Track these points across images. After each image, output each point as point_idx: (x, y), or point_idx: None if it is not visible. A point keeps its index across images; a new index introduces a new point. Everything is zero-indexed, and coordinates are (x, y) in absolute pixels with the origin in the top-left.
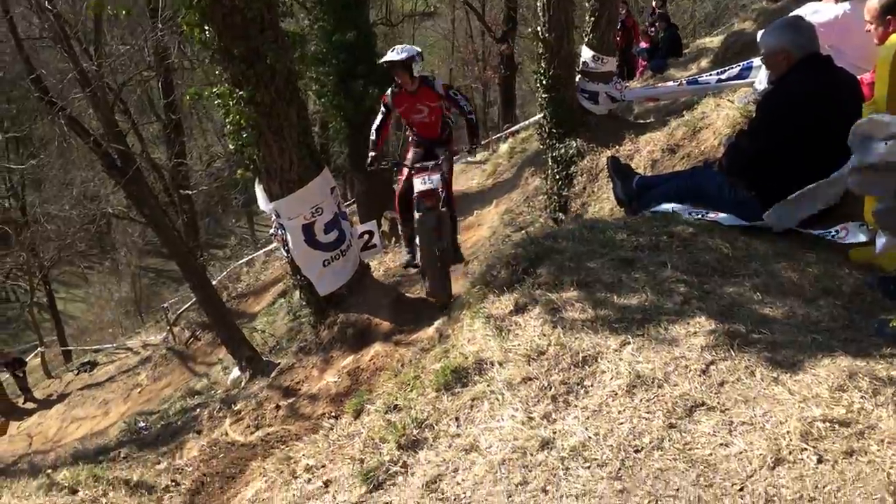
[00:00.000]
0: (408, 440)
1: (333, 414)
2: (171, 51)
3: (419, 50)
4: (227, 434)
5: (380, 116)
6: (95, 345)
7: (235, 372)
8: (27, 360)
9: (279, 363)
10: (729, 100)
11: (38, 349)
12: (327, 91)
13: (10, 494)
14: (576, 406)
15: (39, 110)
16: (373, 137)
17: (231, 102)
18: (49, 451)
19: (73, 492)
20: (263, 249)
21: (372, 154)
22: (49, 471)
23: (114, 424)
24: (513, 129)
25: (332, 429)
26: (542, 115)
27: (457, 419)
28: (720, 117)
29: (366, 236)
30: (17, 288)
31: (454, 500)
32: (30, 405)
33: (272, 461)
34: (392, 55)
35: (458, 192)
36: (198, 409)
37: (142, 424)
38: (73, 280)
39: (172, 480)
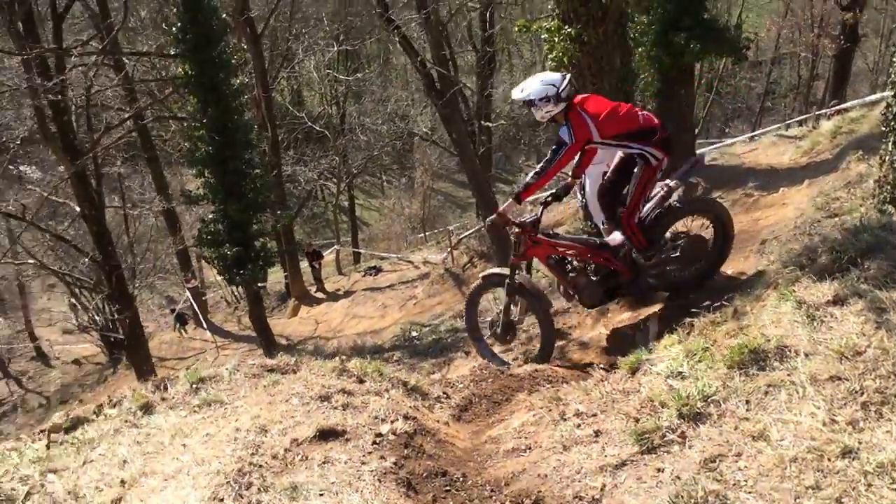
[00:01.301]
0: (690, 411)
1: (603, 366)
2: None
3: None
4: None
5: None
6: (382, 252)
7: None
8: (324, 254)
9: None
10: None
11: (335, 247)
12: (645, 41)
13: (307, 370)
14: (889, 420)
15: (375, 27)
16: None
17: (557, 38)
18: (331, 338)
19: (361, 381)
20: (550, 191)
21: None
22: (343, 357)
23: (388, 328)
24: (842, 106)
25: (603, 380)
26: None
27: (747, 402)
28: None
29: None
30: (325, 188)
31: (733, 484)
32: (320, 295)
33: (539, 397)
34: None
35: (766, 165)
36: (464, 335)
37: (414, 334)
38: (372, 190)
39: (444, 392)
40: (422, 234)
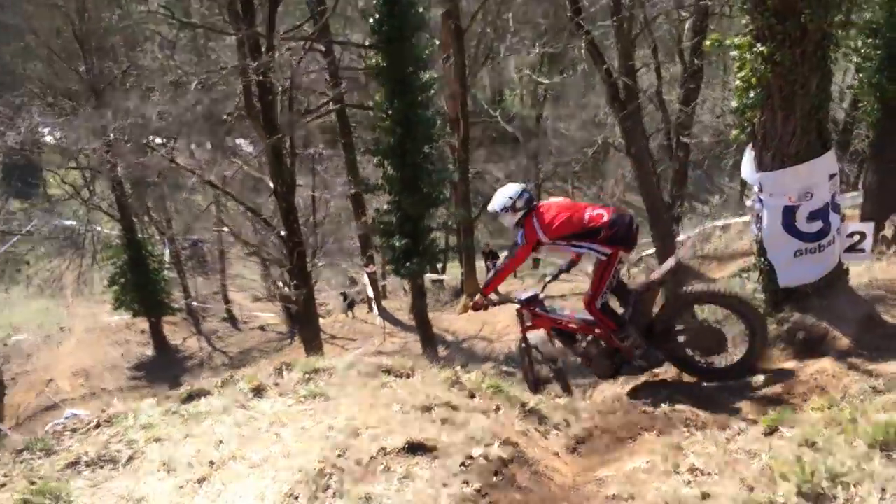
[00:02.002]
0: (812, 489)
1: (746, 417)
2: None
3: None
4: (637, 390)
5: None
6: (561, 260)
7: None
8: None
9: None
10: None
11: None
12: (869, 66)
13: (420, 377)
14: None
15: (570, 30)
16: None
17: (748, 56)
18: (493, 341)
19: (471, 396)
20: (744, 218)
21: None
22: (458, 367)
23: None
24: None
25: (737, 435)
26: None
27: (882, 490)
28: None
29: (856, 237)
30: None
31: None
32: (492, 295)
33: (663, 442)
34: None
35: None
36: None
37: None
38: (561, 196)
39: (565, 419)
40: None
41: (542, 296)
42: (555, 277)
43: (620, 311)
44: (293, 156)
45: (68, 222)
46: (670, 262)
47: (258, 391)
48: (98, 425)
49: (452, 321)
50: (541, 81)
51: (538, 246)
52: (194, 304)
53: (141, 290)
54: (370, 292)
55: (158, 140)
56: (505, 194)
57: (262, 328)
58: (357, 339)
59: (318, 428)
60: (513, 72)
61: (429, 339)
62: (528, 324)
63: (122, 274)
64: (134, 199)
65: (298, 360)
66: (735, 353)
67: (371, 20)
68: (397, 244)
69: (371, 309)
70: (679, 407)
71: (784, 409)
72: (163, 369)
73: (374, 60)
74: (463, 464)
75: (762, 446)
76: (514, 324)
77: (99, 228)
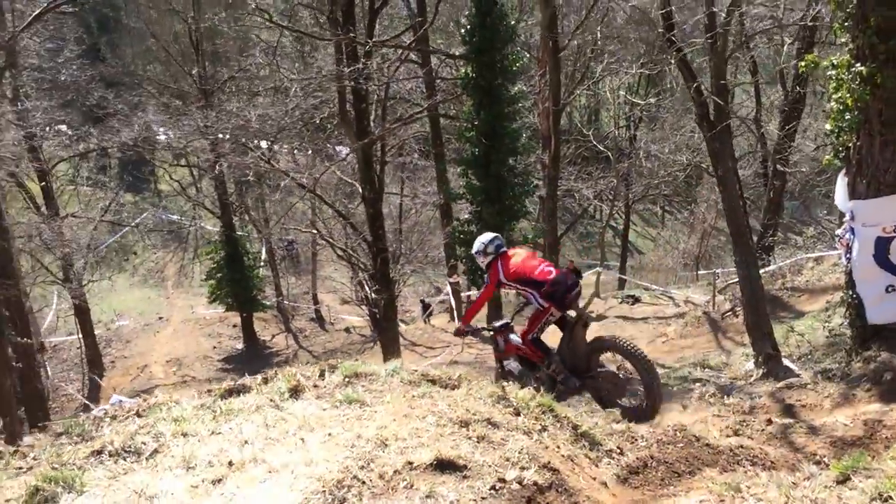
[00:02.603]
0: None
1: (820, 460)
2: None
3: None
4: (704, 422)
5: None
6: (647, 283)
7: (749, 364)
8: (584, 274)
9: (798, 375)
10: None
11: (598, 268)
12: None
13: (465, 389)
14: None
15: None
16: None
17: (845, 76)
18: None
19: (516, 413)
20: (840, 251)
21: None
22: (505, 385)
23: None
24: None
25: (805, 480)
26: None
27: None
28: None
29: None
30: (601, 208)
31: None
32: (572, 312)
33: (723, 481)
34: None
35: None
36: (696, 385)
37: None
38: (651, 219)
39: (619, 447)
40: (693, 272)
41: (513, 324)
42: (518, 312)
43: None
44: (383, 163)
45: (174, 217)
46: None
47: (295, 392)
48: (137, 414)
49: None
50: (636, 102)
51: (500, 285)
52: (285, 302)
53: (235, 285)
54: (452, 302)
55: (264, 144)
56: (481, 240)
57: (347, 330)
58: (436, 348)
59: (346, 435)
60: (608, 91)
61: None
62: (501, 349)
63: (218, 269)
64: (235, 197)
65: (342, 364)
66: (638, 398)
67: (462, 31)
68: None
69: (452, 318)
70: (747, 443)
71: (861, 455)
72: (250, 363)
73: (463, 71)
74: (493, 487)
75: (829, 496)
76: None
77: (202, 224)
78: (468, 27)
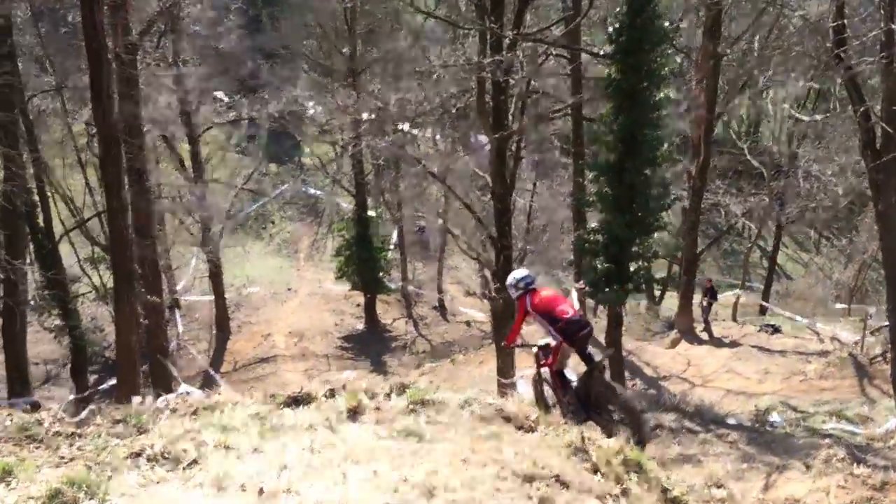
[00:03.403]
0: None
1: None
2: None
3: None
4: (826, 493)
5: None
6: (791, 312)
7: (893, 422)
8: (722, 295)
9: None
10: None
11: (737, 291)
12: None
13: (541, 434)
14: None
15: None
16: None
17: None
18: (694, 385)
19: (595, 470)
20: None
21: None
22: (586, 436)
23: (761, 397)
24: None
25: None
26: None
27: None
28: None
29: None
30: (749, 226)
31: None
32: (705, 335)
33: None
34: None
35: None
36: (826, 441)
37: (775, 418)
38: (805, 242)
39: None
40: (845, 307)
41: (553, 344)
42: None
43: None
44: (517, 158)
45: (313, 191)
46: (608, 352)
47: (354, 413)
48: (195, 412)
49: (656, 354)
50: (800, 118)
51: (527, 315)
52: (409, 287)
53: (362, 265)
54: (577, 306)
55: (407, 127)
56: (514, 276)
57: (468, 324)
58: None
59: (392, 477)
60: (770, 103)
61: (617, 372)
62: (543, 362)
63: (347, 247)
64: (371, 178)
65: (412, 387)
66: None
67: (611, 29)
68: (599, 266)
69: None
70: None
71: None
72: (369, 344)
73: (607, 71)
74: None
75: None
76: (721, 369)
77: (338, 201)
78: (616, 26)
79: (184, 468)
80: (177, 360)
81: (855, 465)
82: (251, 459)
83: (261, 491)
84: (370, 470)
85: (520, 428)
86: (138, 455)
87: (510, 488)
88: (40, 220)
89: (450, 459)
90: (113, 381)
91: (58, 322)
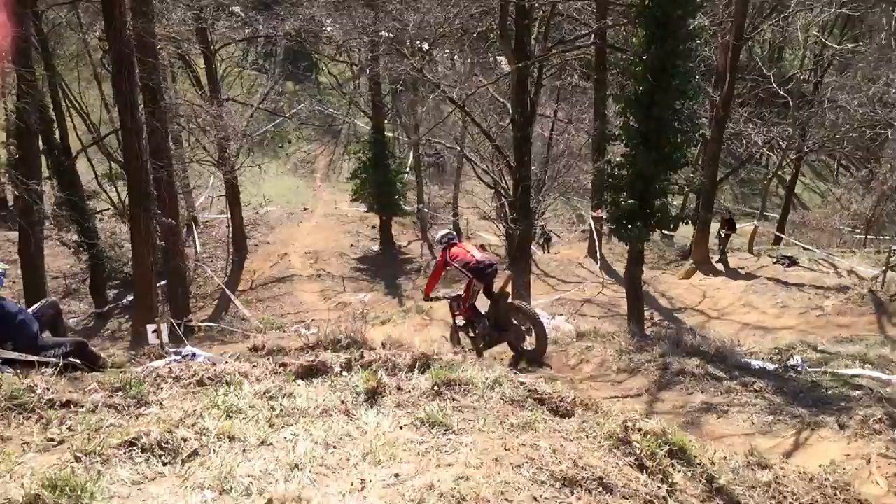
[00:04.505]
0: None
1: None
2: None
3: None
4: (866, 462)
5: None
6: (806, 244)
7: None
8: (738, 225)
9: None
10: None
11: (754, 223)
12: None
13: (579, 421)
14: None
15: None
16: None
17: None
18: (710, 318)
19: (640, 466)
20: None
21: None
22: (632, 420)
23: (779, 332)
24: None
25: None
26: None
27: None
28: None
29: None
30: (768, 156)
31: None
32: (720, 266)
33: None
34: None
35: None
36: (857, 393)
37: (796, 361)
38: (823, 172)
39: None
40: (861, 236)
41: (462, 295)
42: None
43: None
44: (539, 85)
45: (330, 111)
46: (508, 275)
47: (373, 395)
48: (200, 382)
49: (671, 285)
50: (829, 45)
51: (446, 266)
52: (425, 210)
53: (378, 187)
54: (594, 235)
55: (426, 46)
56: (439, 233)
57: (482, 247)
58: (569, 282)
59: (416, 483)
60: (799, 30)
61: (637, 310)
62: (457, 312)
63: (364, 169)
64: (389, 100)
65: (434, 367)
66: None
67: None
68: (623, 203)
69: (591, 251)
70: None
71: None
72: (384, 266)
73: None
74: None
75: None
76: (738, 302)
77: (355, 121)
78: None
79: (182, 461)
80: (197, 276)
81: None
82: (258, 454)
83: (270, 501)
84: (391, 473)
85: (554, 412)
86: (133, 444)
87: (551, 495)
88: (57, 137)
89: (481, 458)
90: (131, 297)
91: (75, 238)
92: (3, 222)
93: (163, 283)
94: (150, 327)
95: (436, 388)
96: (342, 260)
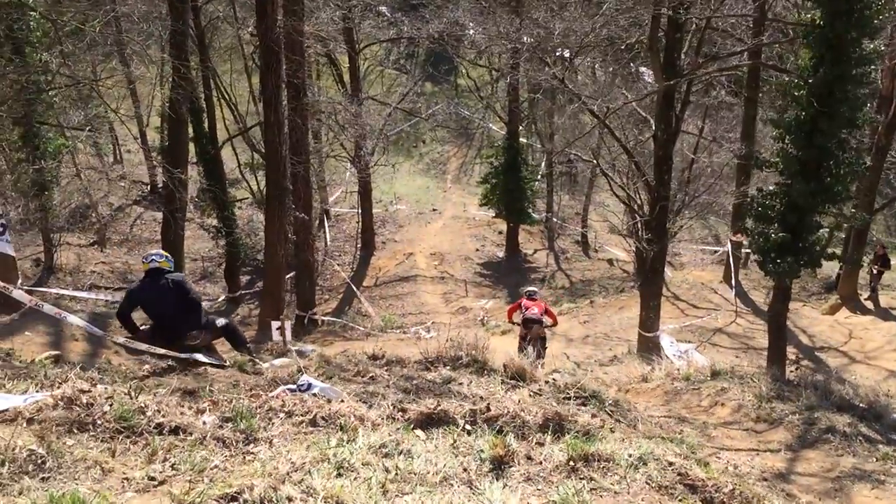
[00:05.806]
0: None
1: None
2: None
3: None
4: None
5: None
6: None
7: None
8: (893, 261)
9: None
10: None
11: None
12: None
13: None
14: None
15: None
16: None
17: None
18: (854, 361)
19: None
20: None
21: None
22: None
23: None
24: None
25: None
26: None
27: None
28: None
29: None
30: None
31: None
32: (869, 304)
33: None
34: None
35: None
36: None
37: None
38: None
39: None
40: None
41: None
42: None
43: None
44: (685, 102)
45: (466, 114)
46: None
47: (499, 464)
48: (314, 422)
49: (813, 320)
50: None
51: (518, 309)
52: (554, 219)
53: (508, 193)
54: (731, 259)
55: (567, 53)
56: (527, 288)
57: (610, 262)
58: (700, 307)
59: None
60: None
61: (779, 350)
62: (523, 334)
63: (495, 175)
64: (526, 107)
65: (569, 437)
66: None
67: None
68: (773, 235)
69: (727, 277)
70: None
71: None
72: (508, 274)
73: (808, 15)
74: None
75: None
76: (888, 346)
77: (490, 126)
78: None
79: None
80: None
81: None
82: None
83: None
84: None
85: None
86: (234, 499)
87: None
88: (206, 126)
89: None
90: (262, 285)
91: (215, 223)
92: (152, 203)
93: (291, 274)
94: (275, 324)
95: (571, 462)
96: (466, 264)
